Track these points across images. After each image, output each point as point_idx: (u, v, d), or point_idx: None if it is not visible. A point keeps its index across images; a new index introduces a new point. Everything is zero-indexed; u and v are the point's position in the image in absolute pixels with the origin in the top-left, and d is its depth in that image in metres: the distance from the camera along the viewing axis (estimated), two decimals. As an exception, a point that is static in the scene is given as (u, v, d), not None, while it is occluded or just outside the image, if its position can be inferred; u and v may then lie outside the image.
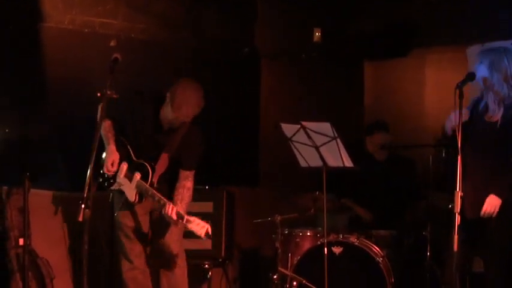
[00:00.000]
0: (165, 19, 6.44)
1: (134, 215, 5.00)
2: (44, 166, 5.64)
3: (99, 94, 4.54)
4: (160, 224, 4.99)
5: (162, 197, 4.76)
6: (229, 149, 6.75)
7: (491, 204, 4.57)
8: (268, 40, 7.14)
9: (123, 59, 4.68)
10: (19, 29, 5.72)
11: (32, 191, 5.35)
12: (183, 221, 4.66)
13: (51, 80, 5.88)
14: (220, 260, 6.03)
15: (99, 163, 4.92)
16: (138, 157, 4.95)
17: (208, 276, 5.99)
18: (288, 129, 5.33)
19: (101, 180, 4.99)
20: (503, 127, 4.63)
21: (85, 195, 4.14)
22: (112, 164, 4.90)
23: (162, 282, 5.06)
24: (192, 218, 4.65)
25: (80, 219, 4.10)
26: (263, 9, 7.13)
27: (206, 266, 6.02)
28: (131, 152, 4.97)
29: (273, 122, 5.64)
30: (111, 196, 5.25)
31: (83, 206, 4.11)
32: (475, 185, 4.62)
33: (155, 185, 4.87)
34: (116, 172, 4.94)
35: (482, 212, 4.58)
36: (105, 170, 4.90)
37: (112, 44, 6.16)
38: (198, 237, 4.63)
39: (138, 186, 4.87)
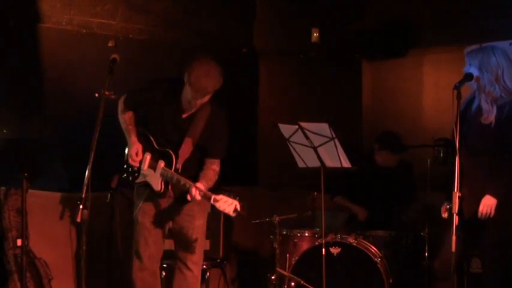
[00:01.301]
0: (164, 19, 6.45)
1: (154, 216, 4.94)
2: (42, 167, 5.64)
3: (97, 95, 4.55)
4: (184, 229, 4.94)
5: (188, 181, 4.69)
6: (227, 149, 6.74)
7: (487, 204, 4.55)
8: (266, 40, 7.15)
9: (121, 60, 4.70)
10: (17, 29, 5.72)
11: (30, 191, 5.36)
12: (210, 200, 4.59)
13: (49, 80, 5.88)
14: (219, 260, 6.02)
15: (123, 159, 4.91)
16: (160, 145, 4.89)
17: (206, 277, 5.97)
18: (285, 129, 5.33)
19: (125, 175, 4.95)
20: (497, 128, 4.59)
21: (83, 195, 4.15)
22: (136, 154, 4.86)
23: (175, 284, 5.01)
24: (219, 197, 4.57)
25: (79, 219, 4.11)
26: (262, 9, 7.13)
27: (204, 266, 5.98)
28: (153, 142, 4.92)
29: (271, 121, 5.63)
30: (108, 196, 5.25)
31: (81, 206, 4.11)
32: (473, 187, 4.61)
33: (179, 171, 4.81)
34: (140, 164, 4.89)
35: (479, 214, 4.57)
36: (130, 161, 4.86)
37: (110, 44, 6.16)
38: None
39: (162, 174, 4.81)
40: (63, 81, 5.89)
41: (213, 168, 4.88)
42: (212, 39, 6.73)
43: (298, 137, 5.29)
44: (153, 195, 4.92)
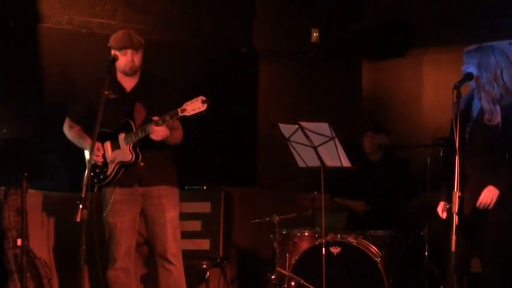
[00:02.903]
0: (163, 19, 6.44)
1: (123, 216, 4.96)
2: (42, 167, 5.64)
3: (96, 94, 4.57)
4: (157, 224, 4.97)
5: (146, 125, 4.72)
6: (227, 149, 6.75)
7: (488, 195, 4.50)
8: (266, 40, 7.14)
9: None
10: (17, 29, 5.72)
11: (30, 191, 5.36)
12: (176, 117, 4.59)
13: (49, 80, 5.88)
14: (218, 260, 6.02)
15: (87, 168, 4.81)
16: (114, 127, 4.91)
17: (206, 277, 5.98)
18: (286, 129, 5.34)
19: (96, 180, 4.95)
20: (504, 129, 4.54)
21: (83, 195, 4.15)
22: (98, 149, 4.87)
23: (161, 282, 5.05)
24: (183, 106, 4.58)
25: (78, 219, 4.11)
26: (262, 9, 7.13)
27: (204, 266, 6.01)
28: (108, 131, 4.92)
29: (271, 121, 5.64)
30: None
31: (80, 206, 4.11)
32: (477, 188, 4.58)
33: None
34: (105, 159, 4.91)
35: (478, 203, 4.52)
36: (93, 158, 4.83)
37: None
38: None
39: (126, 141, 4.84)
40: (63, 81, 5.89)
41: (179, 126, 4.93)
42: (212, 39, 6.73)
43: (298, 137, 5.30)
44: (120, 198, 4.93)
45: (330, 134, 5.17)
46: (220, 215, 5.98)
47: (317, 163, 5.32)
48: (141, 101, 4.92)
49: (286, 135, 5.34)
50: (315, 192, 5.76)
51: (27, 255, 5.30)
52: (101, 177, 4.95)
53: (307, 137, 5.25)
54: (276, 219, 5.76)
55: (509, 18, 6.34)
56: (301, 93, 7.17)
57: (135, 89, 4.99)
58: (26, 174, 5.26)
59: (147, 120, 4.79)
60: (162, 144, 4.84)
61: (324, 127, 5.17)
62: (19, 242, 5.29)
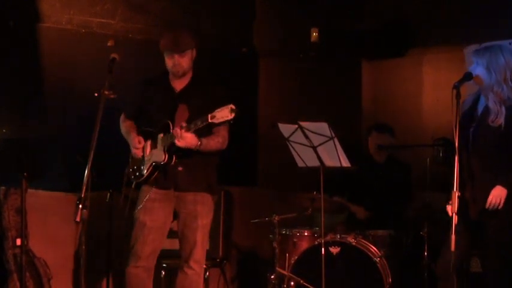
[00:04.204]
0: (163, 19, 6.44)
1: (154, 214, 4.93)
2: (42, 166, 5.64)
3: (96, 94, 4.56)
4: (188, 229, 4.94)
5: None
6: (227, 149, 6.74)
7: (497, 195, 4.48)
8: (266, 40, 7.14)
9: (121, 59, 4.71)
10: (17, 29, 5.72)
11: (30, 191, 5.36)
12: (206, 122, 4.57)
13: (49, 80, 5.88)
14: (218, 260, 6.03)
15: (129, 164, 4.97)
16: (157, 125, 4.93)
17: (206, 276, 5.97)
18: (285, 129, 5.33)
19: (132, 177, 4.97)
20: (507, 129, 4.53)
21: (83, 195, 4.15)
22: (139, 142, 4.90)
23: (177, 282, 5.00)
24: (213, 113, 4.54)
25: (78, 219, 4.10)
26: (262, 9, 7.13)
27: (204, 266, 6.00)
28: (151, 131, 4.95)
29: (271, 121, 5.64)
30: (108, 196, 5.24)
31: (80, 206, 4.11)
32: (483, 189, 4.56)
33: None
34: (143, 157, 4.93)
35: (487, 204, 4.50)
36: (132, 152, 4.90)
37: (110, 44, 6.16)
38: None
39: (163, 142, 4.83)
40: (62, 81, 5.89)
41: (221, 134, 4.90)
42: (212, 39, 6.73)
43: (298, 137, 5.30)
44: (154, 196, 4.92)
45: (329, 134, 5.17)
46: (220, 214, 5.99)
47: (316, 163, 5.31)
48: (187, 102, 4.90)
49: (286, 135, 5.34)
50: (315, 192, 5.76)
51: (26, 255, 5.30)
52: (137, 174, 4.95)
53: (306, 137, 5.25)
54: (276, 219, 5.76)
55: (509, 18, 6.33)
56: (301, 93, 7.17)
57: (184, 90, 4.99)
58: (25, 174, 5.26)
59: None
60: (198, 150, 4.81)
61: (324, 127, 5.17)
62: (18, 241, 5.29)
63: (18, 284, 5.23)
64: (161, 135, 4.88)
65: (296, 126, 5.25)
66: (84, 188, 4.18)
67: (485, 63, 4.56)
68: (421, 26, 6.97)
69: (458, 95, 4.37)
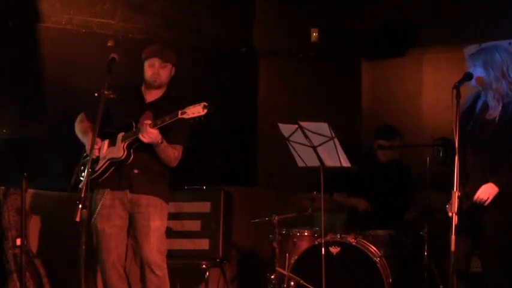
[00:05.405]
0: (163, 19, 6.45)
1: (111, 221, 4.89)
2: (42, 166, 5.64)
3: (96, 94, 4.56)
4: (141, 232, 4.90)
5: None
6: (227, 149, 6.76)
7: (486, 191, 4.51)
8: (266, 40, 7.15)
9: (120, 59, 4.72)
10: (17, 29, 5.73)
11: (30, 191, 5.36)
12: (173, 118, 4.61)
13: (49, 79, 5.88)
14: (218, 260, 6.02)
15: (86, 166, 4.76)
16: (119, 127, 4.92)
17: (206, 277, 5.98)
18: (285, 129, 5.34)
19: (81, 176, 4.84)
20: (501, 123, 4.57)
21: (82, 195, 4.15)
22: (96, 143, 4.80)
23: (147, 284, 4.94)
24: (184, 109, 4.57)
25: (77, 219, 4.11)
26: (261, 9, 7.14)
27: (204, 266, 6.01)
28: (112, 132, 4.92)
29: (271, 121, 5.64)
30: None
31: (80, 206, 4.11)
32: (476, 183, 4.59)
33: None
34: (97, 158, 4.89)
35: (475, 197, 4.53)
36: (88, 152, 4.78)
37: (110, 44, 6.17)
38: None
39: (123, 139, 4.83)
40: (62, 81, 5.89)
41: (178, 150, 4.91)
42: (212, 39, 6.73)
43: (298, 137, 5.30)
44: (109, 203, 4.88)
45: (329, 134, 5.17)
46: (219, 214, 5.98)
47: (316, 163, 5.32)
48: (154, 111, 4.90)
49: (286, 135, 5.34)
50: (315, 192, 5.76)
51: (26, 254, 5.30)
52: (90, 170, 4.83)
53: (306, 137, 5.25)
54: (276, 219, 5.76)
55: (509, 18, 6.33)
56: (301, 93, 7.17)
57: (154, 102, 5.01)
58: (25, 174, 5.26)
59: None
60: (157, 156, 4.84)
61: (324, 127, 5.18)
62: (18, 241, 5.30)
63: (18, 284, 5.23)
64: (122, 133, 4.86)
65: (296, 126, 5.25)
66: (84, 188, 4.19)
67: (482, 62, 4.62)
68: (421, 26, 6.96)
69: (458, 95, 4.38)
